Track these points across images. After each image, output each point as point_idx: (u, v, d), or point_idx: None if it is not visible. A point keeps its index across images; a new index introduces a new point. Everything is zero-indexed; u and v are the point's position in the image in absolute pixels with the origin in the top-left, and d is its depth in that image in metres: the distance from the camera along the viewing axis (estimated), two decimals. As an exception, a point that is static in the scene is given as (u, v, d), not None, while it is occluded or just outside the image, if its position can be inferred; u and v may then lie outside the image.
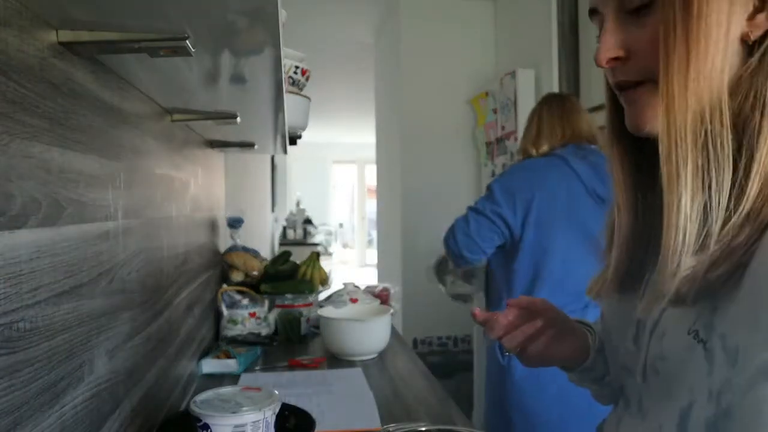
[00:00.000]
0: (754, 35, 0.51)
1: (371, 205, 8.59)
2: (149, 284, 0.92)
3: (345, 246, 11.37)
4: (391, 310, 1.62)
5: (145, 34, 0.58)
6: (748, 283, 0.46)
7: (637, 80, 0.57)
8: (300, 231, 7.51)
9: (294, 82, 1.37)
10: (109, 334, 0.71)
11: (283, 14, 0.89)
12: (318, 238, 8.03)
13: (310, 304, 1.79)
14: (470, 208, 1.68)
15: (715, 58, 0.50)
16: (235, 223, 1.89)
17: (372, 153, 4.73)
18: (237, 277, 1.84)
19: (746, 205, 0.48)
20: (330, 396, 1.21)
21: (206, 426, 0.71)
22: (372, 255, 8.59)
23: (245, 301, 1.69)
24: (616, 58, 0.57)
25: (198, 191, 1.41)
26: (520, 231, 1.62)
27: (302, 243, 7.00)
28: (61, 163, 0.58)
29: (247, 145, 1.58)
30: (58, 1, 0.51)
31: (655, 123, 0.53)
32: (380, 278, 4.28)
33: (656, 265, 0.53)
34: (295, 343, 1.68)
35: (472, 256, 1.68)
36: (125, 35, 0.58)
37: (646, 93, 0.56)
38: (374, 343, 1.51)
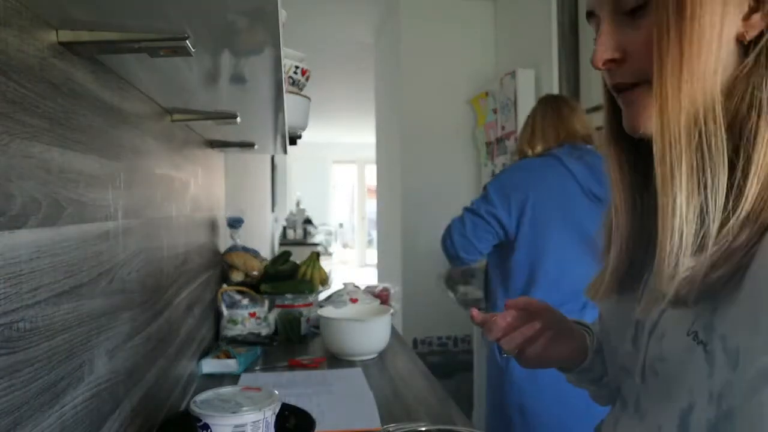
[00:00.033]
0: (750, 35, 0.51)
1: (371, 205, 8.59)
2: (149, 284, 0.92)
3: (345, 246, 11.36)
4: (391, 310, 1.62)
5: (145, 34, 0.58)
6: (748, 285, 0.46)
7: (633, 82, 0.57)
8: (300, 231, 7.52)
9: (294, 82, 1.37)
10: (109, 334, 0.71)
11: (283, 14, 0.89)
12: (318, 238, 8.03)
13: (310, 304, 1.79)
14: (466, 209, 1.70)
15: (708, 59, 0.50)
16: (235, 223, 1.89)
17: (372, 153, 4.73)
18: (237, 277, 1.84)
19: (745, 206, 0.48)
20: (330, 396, 1.21)
21: (206, 426, 0.71)
22: (372, 255, 8.58)
23: (245, 301, 1.69)
24: (612, 60, 0.57)
25: (198, 191, 1.41)
26: (515, 231, 1.63)
27: (302, 243, 7.00)
28: (61, 163, 0.58)
29: (247, 145, 1.58)
30: (58, 1, 0.51)
31: (651, 124, 0.53)
32: (380, 278, 4.28)
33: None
34: (295, 343, 1.68)
35: (468, 257, 1.69)
36: (125, 35, 0.58)
37: (642, 94, 0.56)
38: (374, 343, 1.51)
